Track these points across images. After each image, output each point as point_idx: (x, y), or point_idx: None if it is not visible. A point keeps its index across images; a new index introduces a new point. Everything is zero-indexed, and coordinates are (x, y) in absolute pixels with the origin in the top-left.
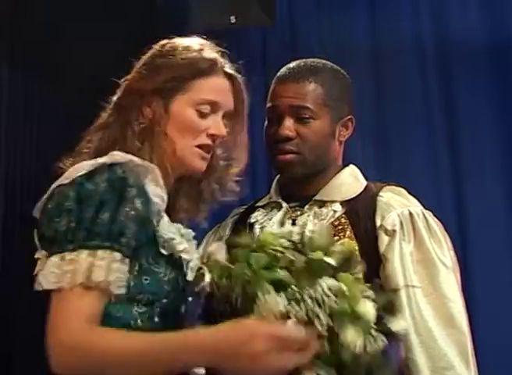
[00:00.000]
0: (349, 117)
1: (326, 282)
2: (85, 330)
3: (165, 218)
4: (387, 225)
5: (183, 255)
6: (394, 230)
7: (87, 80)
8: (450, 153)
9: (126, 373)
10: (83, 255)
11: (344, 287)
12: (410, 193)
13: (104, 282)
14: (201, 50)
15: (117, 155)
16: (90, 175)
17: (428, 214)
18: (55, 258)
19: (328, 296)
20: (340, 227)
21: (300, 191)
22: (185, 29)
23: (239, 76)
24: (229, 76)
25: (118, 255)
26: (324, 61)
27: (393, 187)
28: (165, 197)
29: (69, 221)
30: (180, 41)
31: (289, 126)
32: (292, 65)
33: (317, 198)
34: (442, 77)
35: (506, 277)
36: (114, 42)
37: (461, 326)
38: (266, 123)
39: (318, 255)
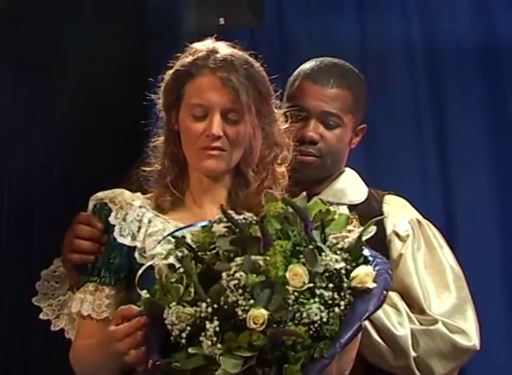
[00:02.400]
0: (363, 126)
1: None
2: (75, 340)
3: (152, 229)
4: (400, 231)
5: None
6: (408, 235)
7: (81, 81)
8: (439, 154)
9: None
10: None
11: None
12: (400, 195)
13: (80, 311)
14: (186, 56)
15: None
16: None
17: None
18: None
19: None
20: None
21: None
22: (174, 30)
23: (228, 69)
24: (213, 72)
25: (91, 285)
26: (348, 64)
27: (395, 196)
28: (140, 215)
29: None
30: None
31: (316, 129)
32: (322, 65)
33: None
34: (431, 79)
35: (496, 276)
36: (106, 43)
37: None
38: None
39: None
